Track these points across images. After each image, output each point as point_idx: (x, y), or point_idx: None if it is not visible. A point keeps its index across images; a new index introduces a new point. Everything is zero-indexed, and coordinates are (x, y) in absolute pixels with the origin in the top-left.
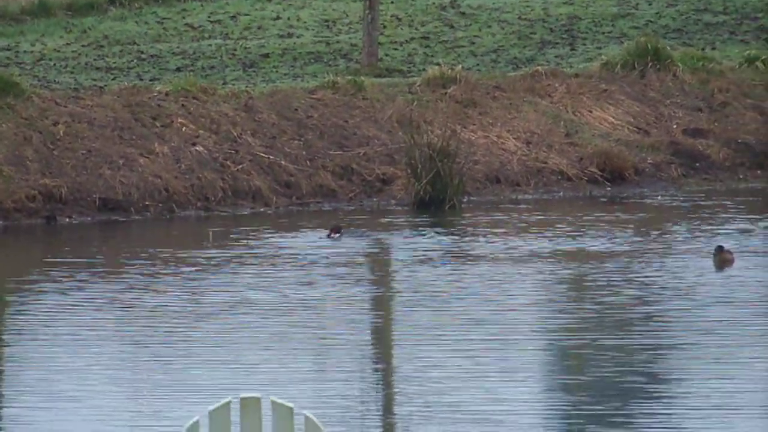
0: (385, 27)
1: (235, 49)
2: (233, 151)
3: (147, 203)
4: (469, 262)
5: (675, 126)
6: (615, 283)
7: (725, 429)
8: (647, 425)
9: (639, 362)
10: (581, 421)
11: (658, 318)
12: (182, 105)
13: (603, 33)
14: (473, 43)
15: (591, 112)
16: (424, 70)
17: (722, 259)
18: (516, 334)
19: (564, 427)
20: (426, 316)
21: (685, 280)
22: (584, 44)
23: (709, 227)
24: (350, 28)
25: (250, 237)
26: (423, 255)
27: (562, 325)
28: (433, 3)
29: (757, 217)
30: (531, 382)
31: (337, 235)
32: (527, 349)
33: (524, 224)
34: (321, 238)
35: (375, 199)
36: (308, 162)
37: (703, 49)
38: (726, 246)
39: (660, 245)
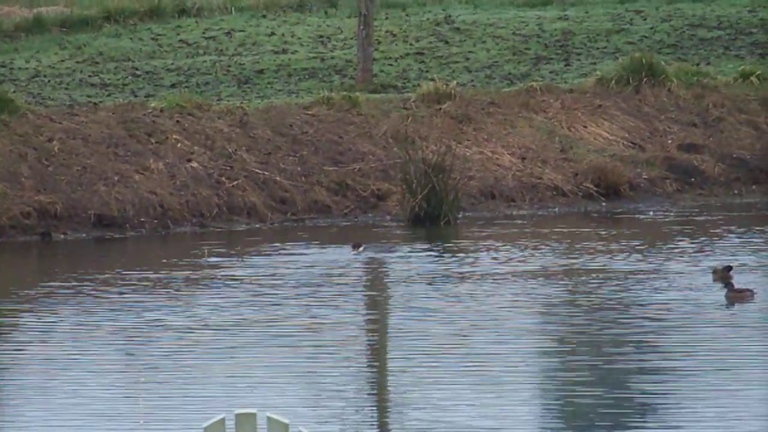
0: (379, 43)
1: (230, 66)
2: (228, 168)
3: (142, 219)
4: (463, 280)
5: (670, 141)
6: (607, 302)
7: None
8: None
9: (631, 383)
10: None
11: (650, 337)
12: (177, 121)
13: (597, 48)
14: (468, 58)
15: (586, 127)
16: (418, 85)
17: (722, 277)
18: (509, 353)
19: None
20: (420, 334)
21: (677, 299)
22: (579, 60)
23: (703, 244)
24: (345, 44)
25: (246, 253)
26: (418, 272)
27: (554, 346)
28: (428, 19)
29: (754, 230)
30: (524, 402)
31: (360, 249)
32: (520, 368)
33: (519, 241)
34: (350, 252)
35: (370, 215)
36: (303, 178)
37: (697, 65)
38: (733, 276)
39: (652, 263)
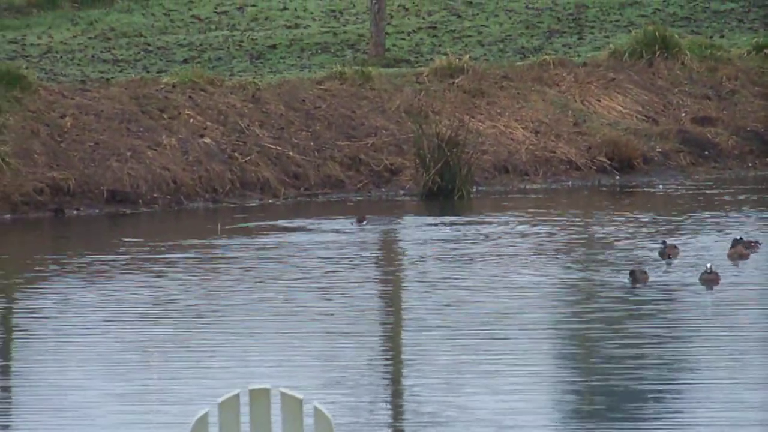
0: (392, 17)
1: (242, 41)
2: (241, 143)
3: (155, 195)
4: (477, 256)
5: (683, 114)
6: (621, 280)
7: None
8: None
9: (647, 366)
10: (589, 423)
11: (663, 321)
12: (189, 97)
13: (611, 21)
14: (480, 32)
15: (599, 101)
16: (431, 59)
17: (737, 252)
18: (522, 331)
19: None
20: (433, 310)
21: (684, 276)
22: (592, 33)
23: (716, 218)
24: (357, 18)
25: (260, 229)
26: (432, 247)
27: (567, 325)
28: None
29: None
30: (536, 380)
31: (363, 222)
32: (532, 346)
33: (532, 215)
34: (352, 224)
35: (383, 190)
36: (316, 153)
37: (711, 37)
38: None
39: (660, 238)
